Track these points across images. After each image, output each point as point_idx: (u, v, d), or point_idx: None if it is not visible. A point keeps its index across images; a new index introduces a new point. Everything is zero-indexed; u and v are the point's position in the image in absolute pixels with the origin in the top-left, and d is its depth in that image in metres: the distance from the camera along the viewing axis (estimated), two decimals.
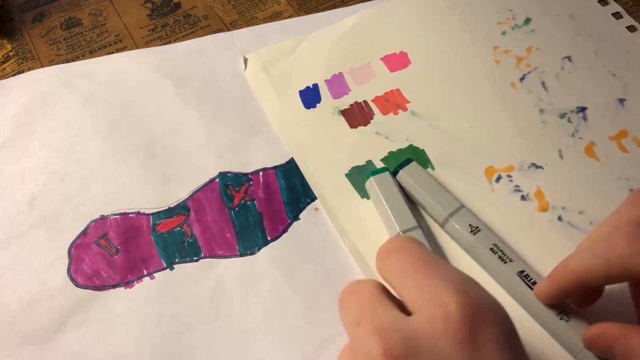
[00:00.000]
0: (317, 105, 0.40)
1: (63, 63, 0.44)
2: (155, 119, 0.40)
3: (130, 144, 0.39)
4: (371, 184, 0.35)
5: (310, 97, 0.40)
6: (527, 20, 0.43)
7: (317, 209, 0.36)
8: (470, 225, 0.33)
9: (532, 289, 0.31)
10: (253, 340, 0.32)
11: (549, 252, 0.33)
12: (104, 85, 0.42)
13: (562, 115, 0.39)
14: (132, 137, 0.39)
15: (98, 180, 0.38)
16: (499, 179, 0.36)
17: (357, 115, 0.39)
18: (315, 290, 0.33)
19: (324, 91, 0.41)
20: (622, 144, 0.37)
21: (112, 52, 0.44)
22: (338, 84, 0.41)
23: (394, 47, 0.42)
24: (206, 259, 0.35)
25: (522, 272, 0.31)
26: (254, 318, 0.33)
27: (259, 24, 0.45)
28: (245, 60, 0.43)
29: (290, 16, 0.46)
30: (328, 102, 0.40)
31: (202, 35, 0.45)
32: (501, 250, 0.32)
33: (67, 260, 0.35)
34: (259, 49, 0.43)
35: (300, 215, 0.36)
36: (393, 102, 0.40)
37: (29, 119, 0.41)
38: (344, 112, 0.40)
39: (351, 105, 0.40)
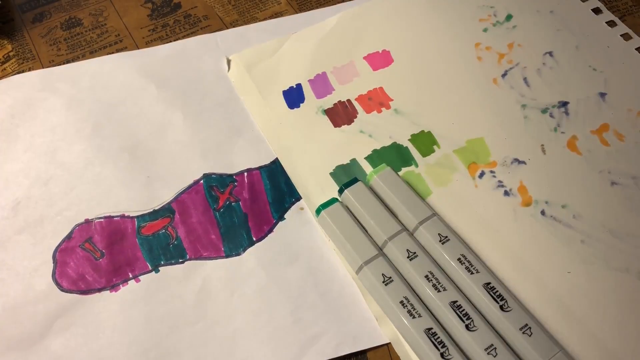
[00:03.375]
0: (301, 105, 0.40)
1: (63, 63, 0.44)
2: (139, 122, 0.40)
3: (114, 147, 0.39)
4: (323, 218, 0.34)
5: (293, 97, 0.40)
6: (509, 17, 0.43)
7: (302, 209, 0.36)
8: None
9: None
10: (239, 341, 0.32)
11: (533, 246, 0.34)
12: (87, 88, 0.42)
13: (544, 110, 0.39)
14: (116, 140, 0.39)
15: (82, 184, 0.38)
16: (482, 174, 0.37)
17: (340, 114, 0.40)
18: (301, 289, 0.33)
19: (307, 91, 0.41)
20: (603, 137, 0.38)
21: (113, 53, 0.45)
22: (321, 84, 0.41)
23: (376, 46, 0.42)
24: (192, 261, 0.35)
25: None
26: (240, 319, 0.33)
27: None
28: (229, 61, 0.43)
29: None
30: (312, 102, 0.40)
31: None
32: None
33: (52, 264, 0.35)
34: (242, 50, 0.43)
35: (285, 215, 0.36)
36: (376, 100, 0.40)
37: (12, 124, 0.40)
38: (327, 112, 0.40)
39: (335, 104, 0.40)
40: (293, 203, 0.37)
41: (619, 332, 0.31)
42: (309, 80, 0.41)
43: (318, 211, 0.35)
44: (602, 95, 0.39)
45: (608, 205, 0.35)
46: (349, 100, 0.40)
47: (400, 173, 0.37)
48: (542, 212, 0.35)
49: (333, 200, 0.35)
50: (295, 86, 0.41)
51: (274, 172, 0.38)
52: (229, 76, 0.42)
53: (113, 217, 0.36)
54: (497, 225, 0.35)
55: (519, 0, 0.44)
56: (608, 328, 0.31)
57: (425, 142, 0.38)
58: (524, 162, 0.37)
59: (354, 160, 0.38)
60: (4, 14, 0.47)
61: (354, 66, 0.42)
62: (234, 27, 0.45)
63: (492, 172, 0.37)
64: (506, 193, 0.36)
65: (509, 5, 0.44)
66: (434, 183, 0.36)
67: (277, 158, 0.38)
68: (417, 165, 0.37)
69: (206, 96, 0.41)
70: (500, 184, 0.36)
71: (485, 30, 0.43)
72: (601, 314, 0.31)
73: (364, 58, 0.42)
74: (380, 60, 0.42)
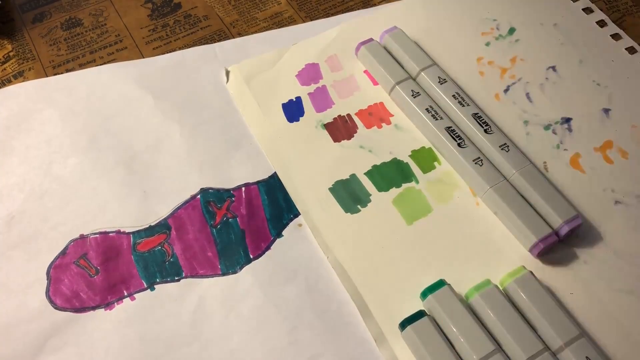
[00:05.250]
0: (300, 118, 0.40)
1: (64, 63, 0.44)
2: (135, 134, 0.40)
3: (110, 160, 0.38)
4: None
5: (293, 110, 0.40)
6: (511, 30, 0.43)
7: (300, 225, 0.36)
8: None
9: None
10: None
11: (534, 266, 0.33)
12: (83, 99, 0.41)
13: (547, 127, 0.38)
14: (112, 153, 0.39)
15: (77, 198, 0.37)
16: None
17: (340, 129, 0.39)
18: (299, 309, 0.33)
19: (307, 104, 0.40)
20: (607, 155, 0.37)
21: (113, 53, 0.44)
22: (321, 97, 0.40)
23: None
24: (187, 279, 0.34)
25: None
26: (236, 339, 0.32)
27: (259, 24, 0.45)
28: (227, 73, 0.42)
29: (290, 16, 0.46)
30: (311, 116, 0.40)
31: (203, 36, 0.45)
32: None
33: (46, 281, 0.34)
34: (241, 61, 0.42)
35: (283, 232, 0.35)
36: (377, 115, 0.39)
37: (6, 136, 0.40)
38: (327, 126, 0.39)
39: (335, 118, 0.39)
40: (291, 219, 0.36)
41: (621, 355, 0.30)
42: (309, 94, 0.40)
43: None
44: (606, 111, 0.39)
45: (611, 225, 0.34)
46: (349, 115, 0.39)
47: (400, 189, 0.36)
48: None
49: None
50: (294, 99, 0.40)
51: (272, 187, 0.37)
52: (227, 88, 0.42)
53: (108, 232, 0.36)
54: (499, 244, 0.34)
55: (521, 13, 0.44)
56: (610, 351, 0.30)
57: (426, 158, 0.38)
58: None
59: (353, 176, 0.37)
60: (4, 14, 0.47)
61: (355, 80, 0.41)
62: (233, 27, 0.45)
63: None
64: None
65: (511, 18, 0.43)
66: (435, 200, 0.36)
67: (275, 172, 0.38)
68: (417, 182, 0.37)
69: (204, 108, 0.41)
70: None
71: (487, 44, 0.42)
72: (604, 337, 0.31)
73: (365, 72, 0.41)
74: None
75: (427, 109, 0.38)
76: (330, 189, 0.37)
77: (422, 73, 0.39)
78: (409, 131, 0.39)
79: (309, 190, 0.37)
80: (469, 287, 0.32)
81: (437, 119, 0.37)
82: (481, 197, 0.35)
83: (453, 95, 0.38)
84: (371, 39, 0.41)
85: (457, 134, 0.36)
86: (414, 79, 0.40)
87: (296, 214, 0.36)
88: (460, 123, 0.37)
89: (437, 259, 0.34)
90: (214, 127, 0.40)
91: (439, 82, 0.39)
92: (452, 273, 0.33)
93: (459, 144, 0.36)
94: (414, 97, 0.38)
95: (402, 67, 0.40)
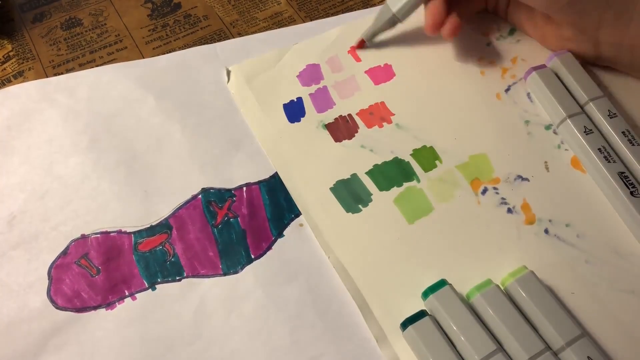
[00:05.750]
0: (302, 119, 0.40)
1: (63, 63, 0.44)
2: (136, 134, 0.40)
3: (111, 160, 0.38)
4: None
5: (294, 110, 0.40)
6: (512, 31, 0.43)
7: (301, 225, 0.36)
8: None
9: None
10: None
11: (536, 266, 0.33)
12: (84, 99, 0.41)
13: (548, 127, 0.38)
14: (113, 153, 0.39)
15: (79, 198, 0.37)
16: (485, 191, 0.36)
17: (341, 129, 0.39)
18: (300, 309, 0.33)
19: (308, 105, 0.40)
20: None
21: (113, 52, 0.45)
22: (322, 98, 0.40)
23: (378, 60, 0.42)
24: (189, 279, 0.34)
25: None
26: (237, 339, 0.32)
27: (259, 24, 0.45)
28: (228, 72, 0.42)
29: (290, 16, 0.46)
30: (312, 116, 0.40)
31: (202, 36, 0.45)
32: None
33: (47, 281, 0.34)
34: (242, 61, 0.43)
35: (285, 232, 0.36)
36: (378, 115, 0.39)
37: (8, 136, 0.40)
38: (328, 126, 0.39)
39: (336, 119, 0.39)
40: (292, 219, 0.36)
41: (623, 354, 0.30)
42: (310, 94, 0.41)
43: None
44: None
45: (612, 225, 0.34)
46: (350, 115, 0.39)
47: (401, 188, 0.36)
48: (546, 231, 0.34)
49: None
50: (295, 99, 0.40)
51: (274, 187, 0.37)
52: (228, 88, 0.42)
53: (110, 232, 0.36)
54: (499, 244, 0.34)
55: None
56: (612, 350, 0.30)
57: (427, 157, 0.38)
58: (527, 179, 0.36)
59: (354, 175, 0.37)
60: (4, 14, 0.47)
61: (355, 80, 0.41)
62: (233, 27, 0.45)
63: (495, 188, 0.36)
64: (509, 210, 0.35)
65: None
66: (436, 199, 0.36)
67: (276, 172, 0.38)
68: (419, 181, 0.37)
69: (205, 108, 0.41)
70: (504, 201, 0.36)
71: (488, 44, 0.42)
72: (605, 336, 0.31)
73: (366, 72, 0.41)
74: (381, 74, 0.41)
75: (599, 149, 0.35)
76: (332, 189, 0.37)
77: (591, 104, 0.37)
78: (410, 130, 0.39)
79: (310, 190, 0.37)
80: (470, 286, 0.32)
81: (609, 162, 0.35)
82: None
83: (623, 132, 0.35)
84: (544, 65, 0.39)
85: (630, 181, 0.34)
86: (582, 107, 0.37)
87: (297, 213, 0.36)
88: (632, 167, 0.35)
89: (439, 259, 0.34)
90: (215, 127, 0.40)
91: (609, 116, 0.36)
92: (454, 273, 0.33)
93: (631, 192, 0.34)
94: (587, 134, 0.36)
95: (572, 95, 0.38)
